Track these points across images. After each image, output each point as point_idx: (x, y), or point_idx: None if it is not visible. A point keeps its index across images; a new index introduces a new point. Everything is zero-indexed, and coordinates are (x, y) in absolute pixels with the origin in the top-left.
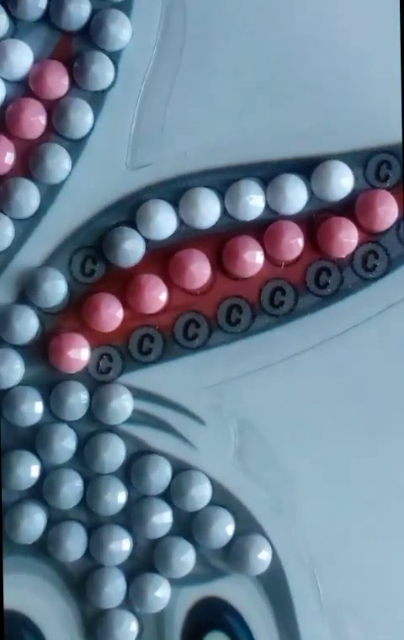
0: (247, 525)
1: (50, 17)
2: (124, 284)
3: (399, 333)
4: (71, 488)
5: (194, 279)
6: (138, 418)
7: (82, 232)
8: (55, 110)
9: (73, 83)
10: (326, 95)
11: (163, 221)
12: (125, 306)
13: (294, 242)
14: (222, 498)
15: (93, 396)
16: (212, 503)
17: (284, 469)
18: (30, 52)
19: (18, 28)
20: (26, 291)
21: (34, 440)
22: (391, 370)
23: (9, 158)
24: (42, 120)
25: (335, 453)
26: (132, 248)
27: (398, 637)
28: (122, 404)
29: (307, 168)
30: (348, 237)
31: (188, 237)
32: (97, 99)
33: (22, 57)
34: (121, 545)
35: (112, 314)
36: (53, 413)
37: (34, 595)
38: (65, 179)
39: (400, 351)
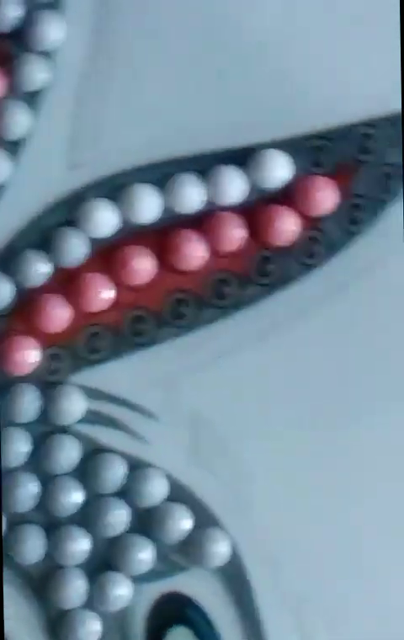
0: (205, 519)
1: None
2: (69, 283)
3: (344, 318)
4: (26, 491)
5: (139, 274)
6: (91, 417)
7: (25, 234)
8: None
9: (9, 84)
10: (258, 84)
11: (104, 219)
12: (72, 305)
13: (235, 233)
14: (179, 494)
15: (45, 397)
16: (169, 498)
17: (239, 461)
18: None
19: None
20: None
21: None
22: (341, 355)
23: None
24: None
25: (290, 443)
26: (76, 248)
27: (360, 623)
28: (74, 404)
29: (244, 157)
30: (288, 225)
31: (130, 233)
32: (33, 100)
33: None
34: (80, 545)
35: (59, 314)
36: (5, 416)
37: None
38: (4, 181)
39: (346, 336)
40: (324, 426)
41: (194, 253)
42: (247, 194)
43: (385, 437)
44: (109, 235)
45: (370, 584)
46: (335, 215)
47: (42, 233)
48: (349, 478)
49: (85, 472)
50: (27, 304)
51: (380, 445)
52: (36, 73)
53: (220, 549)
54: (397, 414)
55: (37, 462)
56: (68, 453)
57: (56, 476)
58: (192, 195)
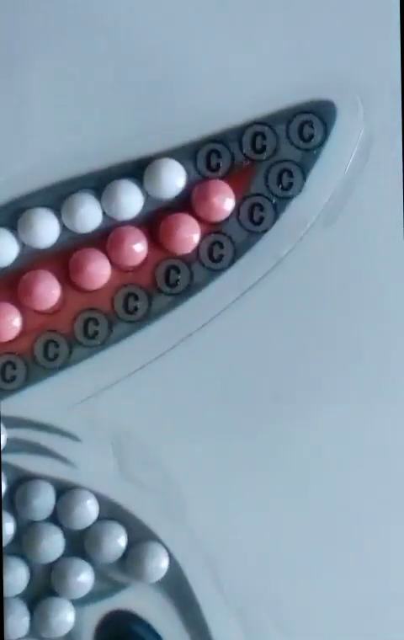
0: (141, 534)
1: None
2: None
3: (256, 319)
4: None
5: (45, 299)
6: (13, 446)
7: None
8: None
9: None
10: (144, 95)
11: (3, 247)
12: None
13: (136, 247)
14: (111, 512)
15: None
16: (101, 517)
17: (167, 472)
18: None
19: None
20: None
21: None
22: (254, 356)
23: None
24: None
25: (214, 449)
26: None
27: (301, 617)
28: None
29: (138, 169)
30: (189, 232)
31: (32, 258)
32: None
33: None
34: (17, 575)
35: None
36: None
37: None
38: None
39: (259, 337)
40: (245, 428)
41: (99, 271)
42: (145, 205)
43: (308, 436)
44: (11, 263)
45: (311, 581)
46: (237, 216)
47: None
48: (276, 478)
49: (14, 500)
50: None
51: (303, 445)
52: None
53: (158, 562)
54: (315, 412)
55: None
56: None
57: None
58: (90, 214)
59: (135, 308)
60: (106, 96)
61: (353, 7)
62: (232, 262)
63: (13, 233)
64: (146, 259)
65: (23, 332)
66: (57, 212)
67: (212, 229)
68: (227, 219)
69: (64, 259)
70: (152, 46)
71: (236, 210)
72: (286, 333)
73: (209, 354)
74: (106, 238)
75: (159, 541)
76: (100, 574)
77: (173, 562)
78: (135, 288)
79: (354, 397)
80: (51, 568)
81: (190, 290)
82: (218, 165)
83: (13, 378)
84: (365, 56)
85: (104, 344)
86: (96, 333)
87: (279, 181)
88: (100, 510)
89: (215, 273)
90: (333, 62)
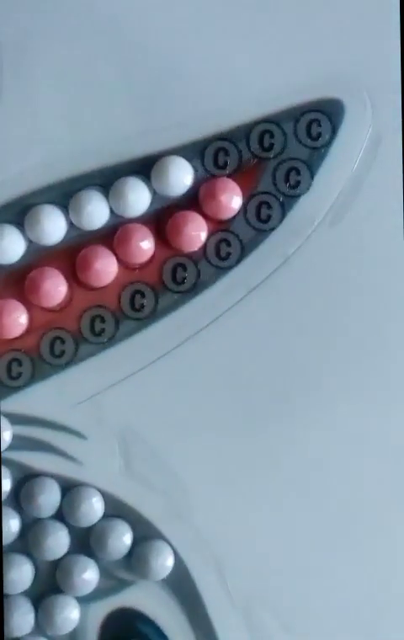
0: (146, 532)
1: None
2: None
3: (262, 317)
4: None
5: (51, 296)
6: (19, 443)
7: None
8: None
9: None
10: (152, 92)
11: (10, 244)
12: None
13: (143, 244)
14: (116, 509)
15: None
16: (106, 515)
17: (173, 470)
18: None
19: None
20: None
21: None
22: (260, 354)
23: None
24: None
25: (220, 447)
26: None
27: (306, 616)
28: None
29: (145, 167)
30: (196, 230)
31: (39, 255)
32: None
33: None
34: (22, 572)
35: None
36: None
37: None
38: None
39: (266, 335)
40: (251, 424)
41: (106, 268)
42: (153, 203)
43: (315, 435)
44: (18, 260)
45: (316, 581)
46: (244, 214)
47: None
48: (282, 476)
49: (20, 497)
50: None
51: (309, 443)
52: None
53: (164, 560)
54: (322, 410)
55: None
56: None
57: None
58: (97, 211)
59: (142, 306)
60: (113, 93)
61: (363, 4)
62: (239, 260)
63: (20, 230)
64: (153, 257)
65: (30, 329)
66: (64, 209)
67: (219, 227)
68: (234, 217)
69: (71, 256)
70: (160, 43)
71: (244, 208)
72: (293, 331)
73: (216, 352)
74: (113, 235)
75: (164, 539)
76: (105, 572)
77: (179, 561)
78: (141, 285)
79: (363, 394)
80: (56, 565)
81: (197, 287)
82: (225, 163)
83: (19, 375)
84: (374, 54)
85: (111, 342)
86: (102, 330)
87: (287, 179)
88: (106, 508)
89: (221, 271)
90: (342, 60)
